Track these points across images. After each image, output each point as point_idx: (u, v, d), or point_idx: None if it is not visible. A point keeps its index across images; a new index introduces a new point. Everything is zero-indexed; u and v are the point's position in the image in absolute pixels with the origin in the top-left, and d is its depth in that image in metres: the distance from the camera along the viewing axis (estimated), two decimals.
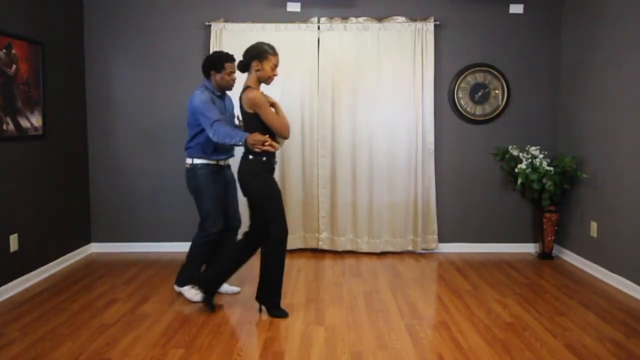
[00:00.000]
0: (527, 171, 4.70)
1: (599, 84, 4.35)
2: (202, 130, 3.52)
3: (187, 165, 3.64)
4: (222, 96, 3.72)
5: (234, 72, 3.64)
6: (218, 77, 3.61)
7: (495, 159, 5.06)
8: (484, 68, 4.97)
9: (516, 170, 4.78)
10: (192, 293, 3.68)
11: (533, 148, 4.82)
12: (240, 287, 3.93)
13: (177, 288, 3.79)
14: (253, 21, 4.88)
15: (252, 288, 3.93)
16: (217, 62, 3.59)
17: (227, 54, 3.65)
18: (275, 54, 3.34)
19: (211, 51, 4.82)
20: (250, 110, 3.28)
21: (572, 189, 4.76)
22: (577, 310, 3.54)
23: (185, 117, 4.95)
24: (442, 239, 5.09)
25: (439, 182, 5.03)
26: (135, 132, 5.02)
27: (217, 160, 3.66)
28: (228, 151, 3.74)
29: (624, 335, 3.13)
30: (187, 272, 3.72)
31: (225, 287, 3.84)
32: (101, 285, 4.06)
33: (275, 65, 3.35)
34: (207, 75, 3.64)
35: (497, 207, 5.09)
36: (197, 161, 3.60)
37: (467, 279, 4.24)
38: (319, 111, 4.89)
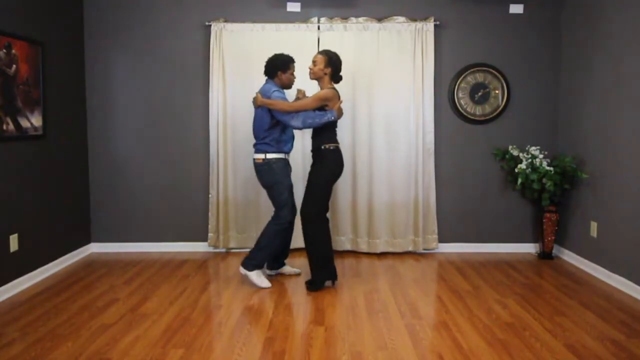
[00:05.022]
0: (527, 171, 4.70)
1: (599, 84, 4.35)
2: (276, 125, 3.90)
3: (260, 160, 3.94)
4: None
5: (294, 71, 4.08)
6: (284, 77, 4.00)
7: (495, 159, 5.06)
8: (484, 68, 4.97)
9: (516, 170, 4.78)
10: (260, 279, 3.96)
11: (533, 148, 4.82)
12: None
13: (243, 271, 3.98)
14: (253, 21, 4.88)
15: (251, 288, 3.93)
16: (285, 63, 3.98)
17: (290, 56, 4.05)
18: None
19: (211, 51, 4.84)
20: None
21: (572, 189, 4.76)
22: (577, 310, 3.54)
23: (184, 116, 5.00)
24: (442, 239, 5.09)
25: (439, 182, 5.03)
26: (135, 132, 5.02)
27: (285, 154, 4.00)
28: (292, 144, 4.10)
29: (624, 335, 3.13)
30: (258, 258, 3.96)
31: (288, 269, 4.30)
32: (101, 285, 4.06)
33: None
34: (273, 75, 4.01)
35: (497, 207, 5.09)
36: (270, 155, 3.92)
37: (467, 279, 4.24)
38: None
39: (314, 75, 3.95)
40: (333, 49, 4.81)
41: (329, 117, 3.82)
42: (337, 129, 3.96)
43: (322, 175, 3.90)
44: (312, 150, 3.98)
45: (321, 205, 3.92)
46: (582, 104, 4.61)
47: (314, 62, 3.94)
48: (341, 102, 3.91)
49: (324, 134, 3.90)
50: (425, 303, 3.71)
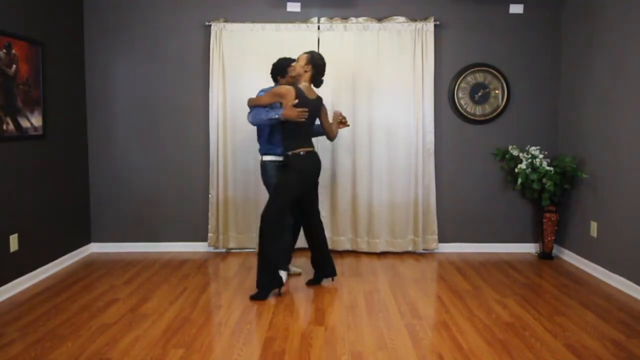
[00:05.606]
0: (527, 171, 4.70)
1: (599, 84, 4.35)
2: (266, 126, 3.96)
3: (260, 161, 4.11)
4: None
5: None
6: (284, 81, 4.03)
7: (495, 159, 5.06)
8: (484, 68, 4.97)
9: (516, 170, 4.78)
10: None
11: (533, 148, 4.82)
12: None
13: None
14: (253, 21, 4.88)
15: (251, 288, 3.94)
16: (284, 68, 4.02)
17: (290, 60, 4.02)
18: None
19: (211, 51, 4.84)
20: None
21: (572, 189, 4.76)
22: (577, 310, 3.54)
23: (184, 116, 5.01)
24: (442, 239, 5.09)
25: (439, 182, 5.03)
26: (135, 132, 5.02)
27: (280, 157, 4.00)
28: None
29: (624, 335, 3.13)
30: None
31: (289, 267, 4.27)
32: (101, 285, 4.06)
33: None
34: (275, 79, 4.11)
35: (497, 207, 5.09)
36: (265, 158, 4.05)
37: (467, 279, 4.24)
38: None
39: (294, 72, 3.82)
40: (333, 49, 4.83)
41: (272, 115, 3.68)
42: (305, 133, 3.78)
43: (284, 181, 3.74)
44: (282, 155, 3.89)
45: (280, 211, 3.71)
46: (582, 104, 4.61)
47: (297, 59, 3.84)
48: (296, 102, 3.62)
49: (290, 139, 3.75)
50: (425, 303, 3.71)
